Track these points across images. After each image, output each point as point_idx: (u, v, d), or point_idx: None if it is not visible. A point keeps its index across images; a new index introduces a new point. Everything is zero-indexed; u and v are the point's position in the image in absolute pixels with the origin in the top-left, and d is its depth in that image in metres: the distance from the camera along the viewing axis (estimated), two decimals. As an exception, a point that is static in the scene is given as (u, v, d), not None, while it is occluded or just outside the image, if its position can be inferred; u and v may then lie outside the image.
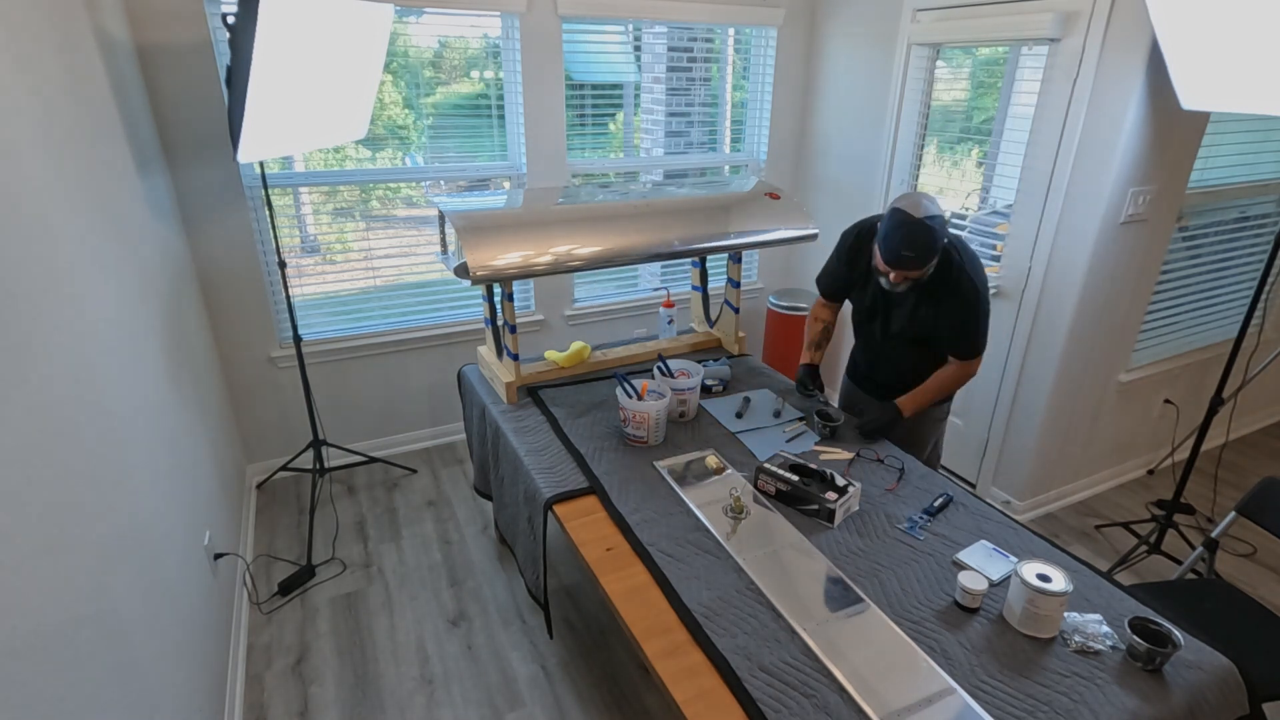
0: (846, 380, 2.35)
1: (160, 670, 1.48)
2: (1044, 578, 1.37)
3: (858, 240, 2.07)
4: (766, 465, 1.81)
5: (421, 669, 2.18)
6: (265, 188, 2.53)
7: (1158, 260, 2.74)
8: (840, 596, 1.47)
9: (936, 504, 1.76)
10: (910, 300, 1.97)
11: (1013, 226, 2.75)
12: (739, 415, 2.19)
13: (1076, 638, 1.36)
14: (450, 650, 2.25)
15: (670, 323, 2.70)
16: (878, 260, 1.86)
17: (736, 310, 2.60)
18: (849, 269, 2.11)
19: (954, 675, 1.29)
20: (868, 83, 3.25)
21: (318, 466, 2.95)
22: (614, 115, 3.38)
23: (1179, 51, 2.03)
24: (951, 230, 1.97)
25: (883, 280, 1.89)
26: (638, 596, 1.49)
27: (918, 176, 3.17)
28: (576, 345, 2.48)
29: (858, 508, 1.76)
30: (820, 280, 2.23)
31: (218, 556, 2.18)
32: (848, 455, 1.99)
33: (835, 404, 2.39)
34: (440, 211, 2.21)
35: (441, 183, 3.08)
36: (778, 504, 1.78)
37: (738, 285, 2.56)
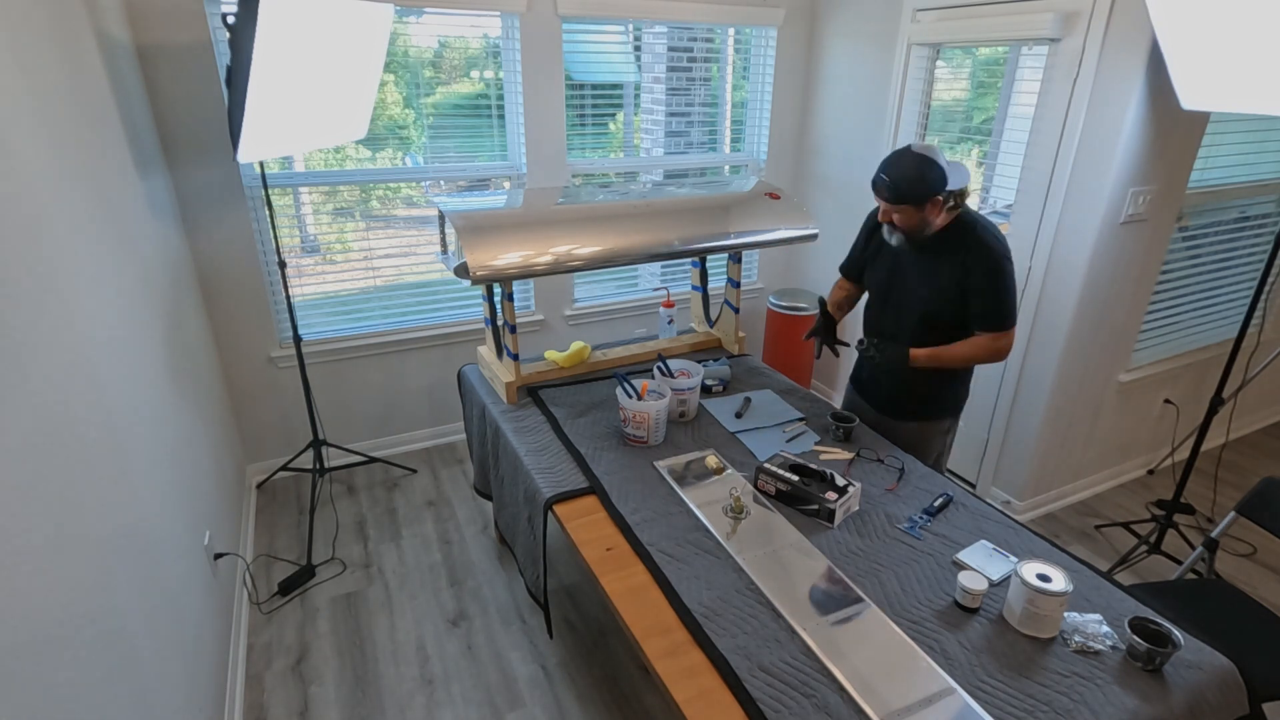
0: (850, 389, 2.32)
1: (160, 670, 1.48)
2: (1044, 578, 1.37)
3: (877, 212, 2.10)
4: (766, 465, 1.81)
5: (421, 669, 2.18)
6: (265, 188, 2.53)
7: (1158, 260, 2.74)
8: (840, 596, 1.47)
9: (936, 504, 1.76)
10: (922, 265, 1.94)
11: (1013, 226, 2.75)
12: (739, 415, 2.19)
13: (1076, 638, 1.36)
14: (450, 650, 2.25)
15: (670, 323, 2.70)
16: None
17: (736, 310, 2.60)
18: (865, 241, 2.14)
19: (954, 675, 1.29)
20: (868, 83, 3.25)
21: (318, 466, 2.95)
22: (614, 115, 3.38)
23: (1179, 51, 2.03)
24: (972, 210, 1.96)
25: (884, 228, 1.93)
26: (638, 596, 1.49)
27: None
28: (576, 345, 2.48)
29: (858, 508, 1.76)
30: (844, 262, 2.27)
31: (218, 556, 2.18)
32: (848, 455, 1.98)
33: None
34: (440, 211, 2.21)
35: (441, 183, 3.08)
36: (778, 504, 1.78)
37: (738, 285, 2.56)
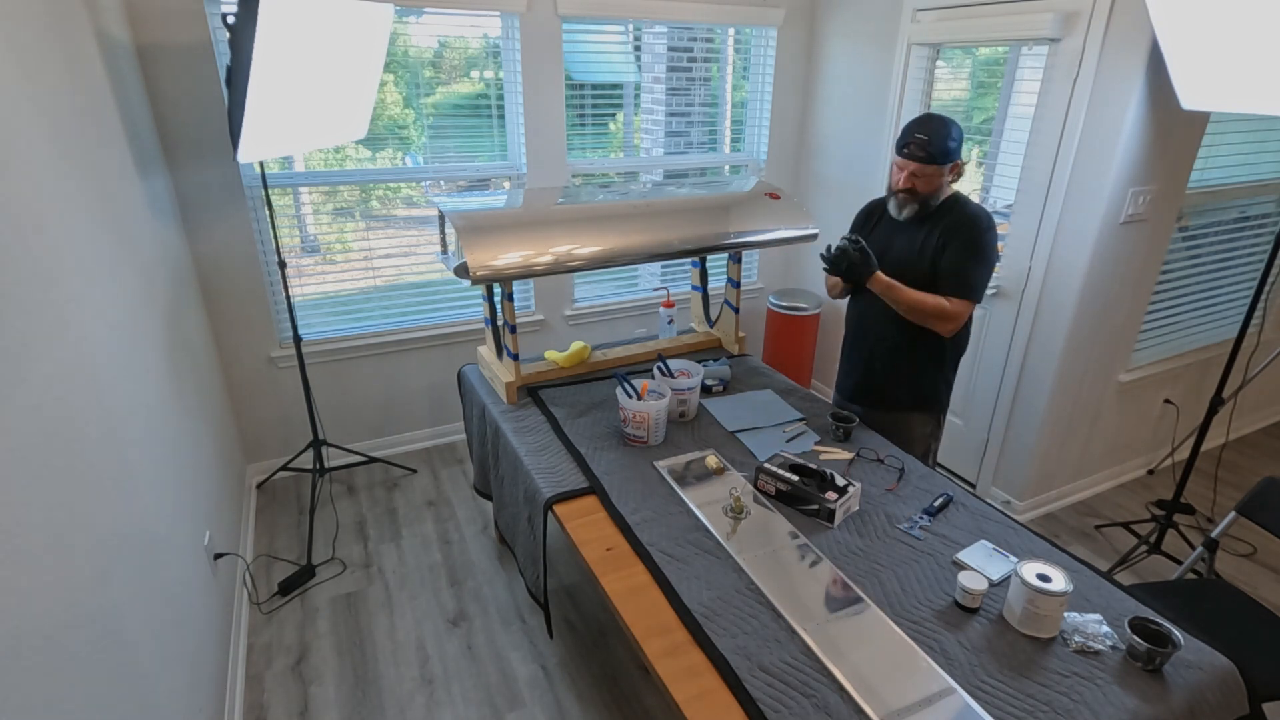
0: (836, 395, 2.36)
1: (160, 670, 1.48)
2: (1044, 578, 1.37)
3: (869, 208, 2.20)
4: (766, 465, 1.81)
5: (421, 669, 2.18)
6: (265, 188, 2.53)
7: (1158, 260, 2.74)
8: (840, 596, 1.47)
9: (936, 504, 1.76)
10: (911, 237, 2.01)
11: (1013, 226, 2.75)
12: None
13: (1076, 638, 1.36)
14: (450, 650, 2.25)
15: (670, 323, 2.70)
16: (894, 175, 1.97)
17: (736, 310, 2.60)
18: (859, 231, 2.19)
19: (954, 675, 1.29)
20: (868, 83, 3.25)
21: (318, 466, 2.95)
22: (614, 115, 3.38)
23: (1179, 51, 2.03)
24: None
25: (890, 204, 2.02)
26: (638, 596, 1.49)
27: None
28: (576, 345, 2.48)
29: (858, 508, 1.76)
30: None
31: (218, 556, 2.18)
32: (848, 455, 1.99)
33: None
34: (440, 211, 2.21)
35: (441, 183, 3.08)
36: (778, 504, 1.78)
37: (738, 285, 2.56)
